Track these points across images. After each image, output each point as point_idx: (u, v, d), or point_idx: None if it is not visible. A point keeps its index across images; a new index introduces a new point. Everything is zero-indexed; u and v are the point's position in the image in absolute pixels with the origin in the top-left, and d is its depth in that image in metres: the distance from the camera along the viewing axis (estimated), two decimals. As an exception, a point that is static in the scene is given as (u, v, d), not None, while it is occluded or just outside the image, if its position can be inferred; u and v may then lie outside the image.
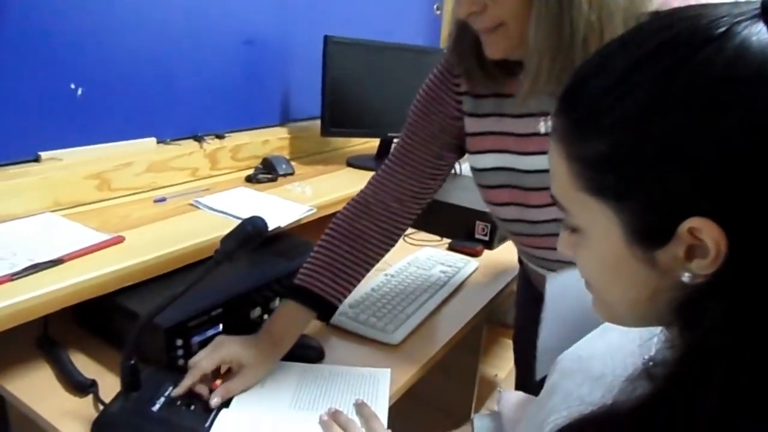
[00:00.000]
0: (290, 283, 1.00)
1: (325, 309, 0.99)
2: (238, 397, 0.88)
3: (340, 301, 1.01)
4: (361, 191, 1.04)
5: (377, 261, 1.04)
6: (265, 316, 1.11)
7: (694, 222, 0.39)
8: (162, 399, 0.84)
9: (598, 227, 0.46)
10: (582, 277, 0.52)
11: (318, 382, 0.94)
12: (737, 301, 0.39)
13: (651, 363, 0.46)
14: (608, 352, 0.59)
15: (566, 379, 0.60)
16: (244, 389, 0.90)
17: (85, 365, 0.98)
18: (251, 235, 0.79)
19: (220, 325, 1.01)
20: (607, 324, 0.61)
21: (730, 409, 0.39)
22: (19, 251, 0.99)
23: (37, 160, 1.20)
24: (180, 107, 1.46)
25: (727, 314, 0.39)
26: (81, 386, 0.92)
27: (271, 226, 1.19)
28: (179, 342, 0.94)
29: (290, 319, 0.97)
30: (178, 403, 0.84)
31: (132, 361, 0.82)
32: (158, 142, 1.42)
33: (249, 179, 1.51)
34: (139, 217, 1.20)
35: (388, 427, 0.86)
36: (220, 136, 1.54)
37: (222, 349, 0.90)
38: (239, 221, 0.87)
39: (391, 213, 1.01)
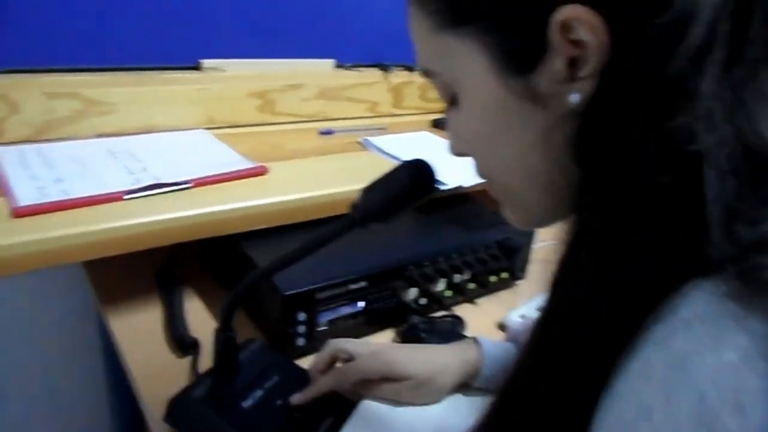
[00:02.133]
0: None
1: None
2: (358, 419, 0.61)
3: None
4: None
5: None
6: (423, 301, 0.84)
7: (562, 13, 0.33)
8: (259, 392, 0.61)
9: (467, 73, 0.40)
10: (477, 167, 0.46)
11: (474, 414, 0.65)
12: (631, 105, 0.33)
13: None
14: None
15: None
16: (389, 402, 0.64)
17: (197, 316, 0.80)
18: (408, 189, 0.50)
19: (361, 303, 0.76)
20: None
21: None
22: (150, 167, 0.83)
23: (197, 68, 1.04)
24: (366, 27, 1.21)
25: (626, 126, 0.33)
26: (182, 344, 0.73)
27: (450, 184, 0.92)
28: (302, 316, 0.70)
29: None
30: (278, 402, 0.61)
31: (230, 333, 0.60)
32: (336, 66, 1.19)
33: (436, 124, 1.23)
34: (295, 149, 0.99)
35: None
36: (409, 69, 1.28)
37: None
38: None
39: None
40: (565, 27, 0.34)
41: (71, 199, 0.71)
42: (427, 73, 0.45)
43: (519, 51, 0.37)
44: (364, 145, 1.04)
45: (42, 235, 0.64)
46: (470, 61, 0.39)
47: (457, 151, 0.47)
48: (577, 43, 0.34)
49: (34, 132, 0.86)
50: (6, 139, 0.84)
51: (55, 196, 0.71)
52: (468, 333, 0.83)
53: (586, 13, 0.33)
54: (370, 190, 0.51)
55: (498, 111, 0.40)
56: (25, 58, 0.89)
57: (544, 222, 0.45)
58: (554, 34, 0.34)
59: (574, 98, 0.36)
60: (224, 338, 0.59)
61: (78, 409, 1.16)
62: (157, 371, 0.70)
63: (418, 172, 0.51)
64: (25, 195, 0.70)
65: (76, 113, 0.89)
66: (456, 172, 0.94)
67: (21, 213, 0.67)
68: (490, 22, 0.37)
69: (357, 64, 1.22)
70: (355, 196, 0.82)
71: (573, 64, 0.35)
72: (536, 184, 0.41)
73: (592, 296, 0.34)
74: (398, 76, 1.24)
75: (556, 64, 0.35)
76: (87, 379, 1.13)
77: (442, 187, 0.90)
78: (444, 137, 1.13)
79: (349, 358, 0.66)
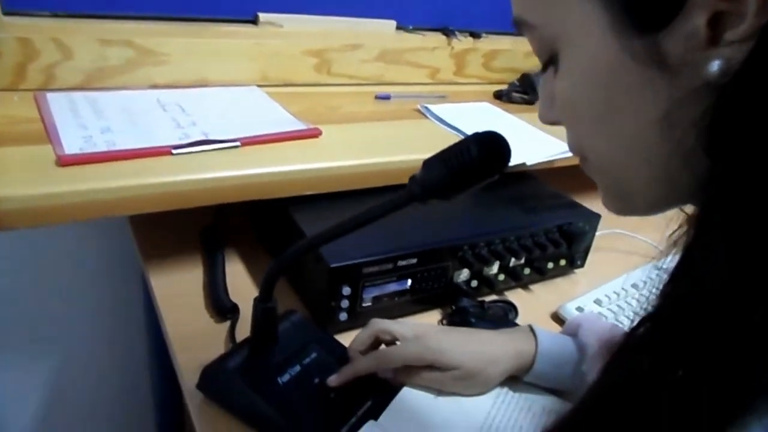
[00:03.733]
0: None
1: None
2: (397, 406, 0.57)
3: None
4: None
5: None
6: (474, 283, 0.79)
7: None
8: (297, 368, 0.58)
9: (576, 29, 0.33)
10: (574, 140, 0.39)
11: (522, 413, 0.60)
12: None
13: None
14: None
15: None
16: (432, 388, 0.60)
17: (239, 280, 0.78)
18: (477, 165, 0.44)
19: (409, 281, 0.72)
20: None
21: None
22: (200, 121, 0.80)
23: (254, 21, 0.99)
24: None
25: None
26: (220, 308, 0.71)
27: (512, 160, 0.85)
28: (346, 290, 0.67)
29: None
30: (316, 380, 0.58)
31: (270, 304, 0.56)
32: (398, 28, 1.13)
33: (498, 95, 1.16)
34: (350, 112, 0.94)
35: None
36: (475, 35, 1.20)
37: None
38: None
39: None
40: None
41: (118, 151, 0.68)
42: (521, 25, 0.37)
43: (647, 3, 0.29)
44: (423, 113, 0.98)
45: (86, 186, 0.62)
46: (582, 14, 0.32)
47: (549, 119, 0.40)
48: None
49: (86, 79, 0.84)
50: (57, 86, 0.82)
51: (102, 146, 0.69)
52: (520, 321, 0.78)
53: None
54: (432, 163, 0.45)
55: (612, 77, 0.32)
56: (81, 3, 0.86)
57: (647, 211, 0.38)
58: None
59: (715, 68, 0.28)
60: (263, 309, 0.56)
61: (117, 360, 1.17)
62: (193, 334, 0.68)
63: (490, 147, 0.45)
64: (72, 143, 0.68)
65: (128, 62, 0.86)
66: (519, 148, 0.87)
67: (67, 162, 0.64)
68: None
69: (419, 28, 1.15)
70: (412, 166, 0.78)
71: (717, 22, 0.27)
72: (648, 169, 0.34)
73: (708, 325, 0.27)
74: (462, 43, 1.17)
75: (694, 22, 0.28)
76: (127, 331, 1.14)
77: (503, 164, 0.84)
78: (507, 109, 1.07)
79: (393, 341, 0.62)
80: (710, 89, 0.28)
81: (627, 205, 0.38)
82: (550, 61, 0.37)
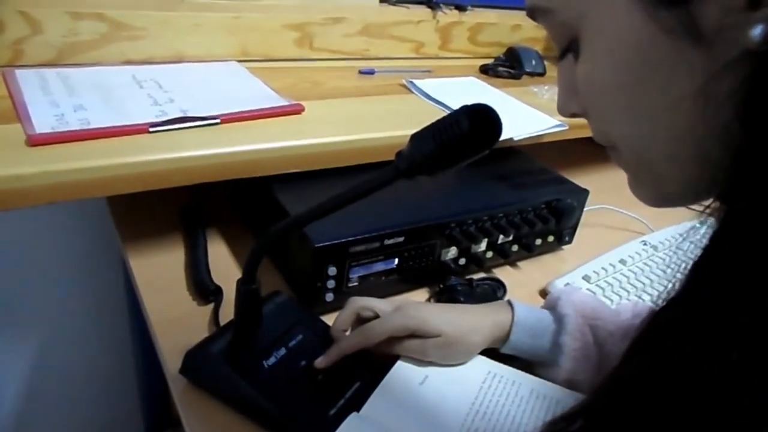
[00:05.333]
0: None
1: None
2: (386, 388, 0.56)
3: None
4: None
5: None
6: (462, 261, 0.78)
7: None
8: (282, 351, 0.56)
9: (599, 7, 0.31)
10: (600, 129, 0.36)
11: (509, 398, 0.59)
12: None
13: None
14: None
15: None
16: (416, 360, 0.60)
17: (222, 261, 0.76)
18: (467, 139, 0.42)
19: (396, 260, 0.70)
20: None
21: None
22: (178, 98, 0.77)
23: (232, -7, 0.96)
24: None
25: None
26: (203, 290, 0.69)
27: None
28: (332, 270, 0.65)
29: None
30: (302, 363, 0.56)
31: (253, 286, 0.54)
32: (381, 1, 1.10)
33: (485, 70, 1.14)
34: (334, 87, 0.91)
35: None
36: (461, 8, 1.17)
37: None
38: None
39: None
40: None
41: (93, 129, 0.65)
42: (537, 12, 0.35)
43: None
44: (408, 88, 0.96)
45: (59, 167, 0.59)
46: None
47: (570, 111, 0.38)
48: None
49: (57, 55, 0.80)
50: (26, 62, 0.78)
51: (75, 124, 0.66)
52: (508, 298, 0.77)
53: None
54: (420, 137, 0.44)
55: (641, 55, 0.30)
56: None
57: (682, 199, 0.35)
58: None
59: (756, 33, 0.26)
60: (246, 291, 0.54)
61: (100, 345, 1.15)
62: (175, 317, 0.66)
63: (481, 120, 0.43)
64: (43, 122, 0.65)
65: (101, 37, 0.83)
66: (506, 123, 0.86)
67: (37, 141, 0.61)
68: None
69: (403, 0, 1.12)
70: (397, 142, 0.76)
71: None
72: (682, 149, 0.32)
73: (734, 308, 0.26)
74: (447, 16, 1.14)
75: None
76: (110, 315, 1.11)
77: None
78: (493, 84, 1.05)
79: (375, 316, 0.61)
80: (749, 58, 0.26)
81: (661, 193, 0.36)
82: (569, 47, 0.35)
